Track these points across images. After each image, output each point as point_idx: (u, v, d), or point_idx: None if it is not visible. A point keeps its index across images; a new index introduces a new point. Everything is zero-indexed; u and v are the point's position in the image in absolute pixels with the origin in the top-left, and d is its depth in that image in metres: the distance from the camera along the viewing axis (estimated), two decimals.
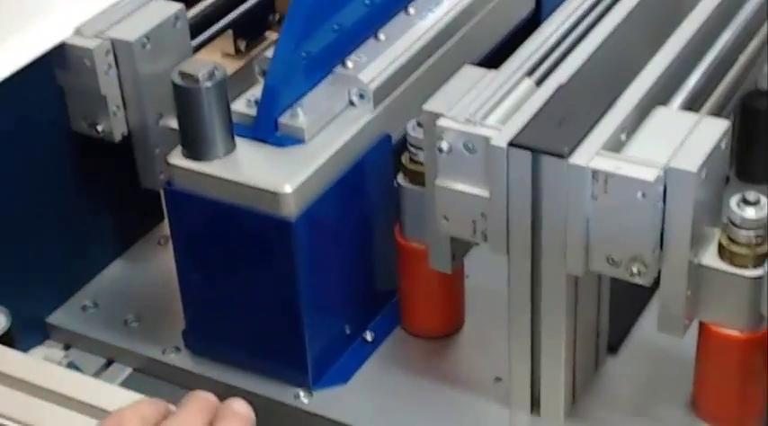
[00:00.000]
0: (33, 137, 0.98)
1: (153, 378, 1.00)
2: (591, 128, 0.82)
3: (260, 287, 0.93)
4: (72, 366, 0.98)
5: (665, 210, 0.79)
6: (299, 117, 0.91)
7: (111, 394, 0.78)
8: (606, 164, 0.79)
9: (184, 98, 0.88)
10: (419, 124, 0.89)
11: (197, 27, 1.03)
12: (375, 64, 0.95)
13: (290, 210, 0.88)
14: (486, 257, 0.90)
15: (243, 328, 0.96)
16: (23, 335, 1.00)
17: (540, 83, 0.87)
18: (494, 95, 0.86)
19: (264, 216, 0.88)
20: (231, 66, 1.10)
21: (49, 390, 0.76)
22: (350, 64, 0.94)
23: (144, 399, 0.69)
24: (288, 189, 0.88)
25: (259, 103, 0.92)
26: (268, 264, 0.91)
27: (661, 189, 0.78)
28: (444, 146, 0.84)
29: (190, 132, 0.89)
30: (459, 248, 0.92)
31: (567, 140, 0.80)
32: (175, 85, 0.88)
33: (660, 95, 0.87)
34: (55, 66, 0.97)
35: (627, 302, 0.97)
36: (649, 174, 0.78)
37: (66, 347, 1.04)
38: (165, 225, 1.02)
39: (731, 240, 0.81)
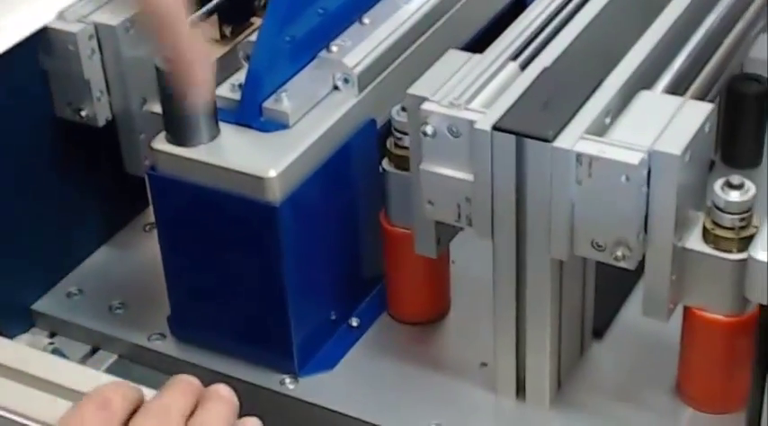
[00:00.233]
0: (16, 122, 0.97)
1: (138, 365, 1.00)
2: (575, 111, 0.81)
3: (245, 272, 0.93)
4: (57, 352, 0.98)
5: (650, 194, 0.79)
6: (284, 102, 0.91)
7: (96, 380, 0.78)
8: (590, 147, 0.79)
9: (168, 82, 0.87)
10: (404, 109, 0.89)
11: None
12: (360, 48, 0.94)
13: (275, 195, 0.88)
14: (472, 243, 0.90)
15: (228, 314, 0.96)
16: (8, 323, 1.00)
17: (524, 67, 0.87)
18: (478, 79, 0.86)
19: (249, 201, 0.88)
20: (216, 52, 1.09)
21: (34, 376, 0.76)
22: (334, 48, 0.94)
23: (124, 382, 0.69)
24: (272, 173, 0.87)
25: (243, 88, 0.91)
26: (253, 250, 0.91)
27: (645, 172, 0.78)
28: (429, 130, 0.83)
29: (174, 117, 0.89)
30: (445, 233, 0.92)
31: (551, 124, 0.80)
32: (159, 70, 0.87)
33: (645, 79, 0.86)
34: (38, 51, 0.96)
35: (612, 287, 0.97)
36: (633, 157, 0.78)
37: (52, 334, 1.03)
38: (151, 211, 1.02)
39: (715, 224, 0.81)
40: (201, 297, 0.97)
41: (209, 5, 1.06)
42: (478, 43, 0.98)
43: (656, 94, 0.86)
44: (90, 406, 0.65)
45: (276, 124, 0.91)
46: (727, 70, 0.98)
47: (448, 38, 1.00)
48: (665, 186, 0.79)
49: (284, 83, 0.92)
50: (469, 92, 0.84)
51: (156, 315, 1.01)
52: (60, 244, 1.05)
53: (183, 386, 0.68)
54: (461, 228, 0.90)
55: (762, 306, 0.81)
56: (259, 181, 0.87)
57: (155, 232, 0.99)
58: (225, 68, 0.96)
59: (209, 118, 0.89)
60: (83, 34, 0.95)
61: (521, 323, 0.89)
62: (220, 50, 1.07)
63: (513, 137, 0.80)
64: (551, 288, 0.86)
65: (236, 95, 0.92)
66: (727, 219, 0.81)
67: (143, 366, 0.99)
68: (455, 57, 0.88)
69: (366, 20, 0.97)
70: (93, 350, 1.02)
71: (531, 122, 0.81)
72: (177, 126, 0.89)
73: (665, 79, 0.88)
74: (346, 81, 0.94)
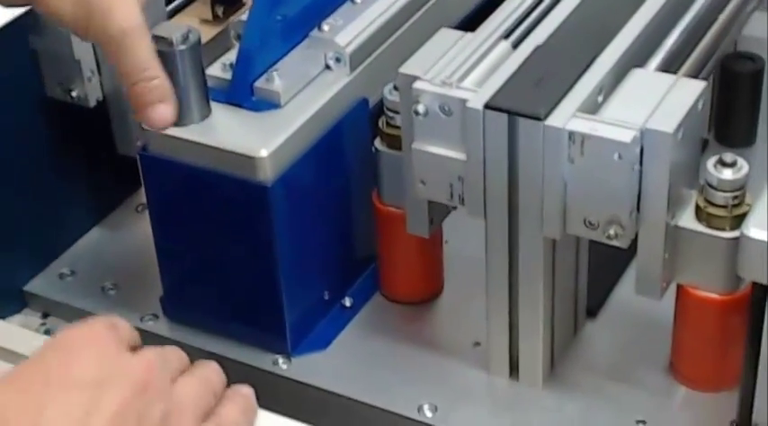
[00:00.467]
0: (7, 103, 0.97)
1: None
2: (567, 90, 0.81)
3: (237, 253, 0.93)
4: (50, 333, 0.98)
5: (642, 172, 0.79)
6: (275, 81, 0.90)
7: None
8: (582, 125, 0.78)
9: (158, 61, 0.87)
10: (396, 88, 0.88)
11: None
12: (351, 27, 0.94)
13: (266, 175, 0.87)
14: (465, 223, 0.89)
15: (221, 294, 0.96)
16: (1, 304, 1.00)
17: (516, 45, 0.87)
18: (470, 58, 0.85)
19: (240, 180, 0.88)
20: (209, 32, 1.09)
21: (26, 357, 0.76)
22: (326, 27, 0.94)
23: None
24: (264, 153, 0.87)
25: (234, 68, 0.91)
26: (245, 230, 0.91)
27: (637, 150, 0.78)
28: (421, 109, 0.83)
29: None
30: (437, 212, 0.92)
31: (543, 102, 0.80)
32: None
33: (637, 57, 0.86)
34: (28, 31, 0.96)
35: (606, 266, 0.97)
36: (626, 135, 0.77)
37: (45, 315, 1.03)
38: (143, 192, 1.01)
39: (708, 202, 0.81)
40: (194, 278, 0.97)
41: None
42: (471, 22, 0.98)
43: (648, 72, 0.85)
44: (100, 324, 0.64)
45: (267, 103, 0.90)
46: (721, 48, 0.98)
47: (440, 16, 0.99)
48: (658, 164, 0.78)
49: (275, 62, 0.92)
50: (461, 70, 0.84)
51: (149, 296, 1.00)
52: (53, 225, 1.05)
53: (211, 373, 0.68)
54: (454, 208, 0.90)
55: (754, 284, 0.80)
56: (250, 160, 0.87)
57: (147, 213, 0.99)
58: (218, 49, 0.96)
59: (200, 97, 0.89)
60: None
61: (514, 302, 0.89)
62: (213, 31, 1.07)
63: (505, 115, 0.80)
64: (544, 268, 0.86)
65: (228, 75, 0.92)
66: (719, 197, 0.81)
67: None
68: (447, 36, 0.88)
69: None
70: None
71: (524, 100, 0.80)
72: None
73: (658, 57, 0.88)
74: (338, 60, 0.93)
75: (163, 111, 0.77)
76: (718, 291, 0.84)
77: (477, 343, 0.95)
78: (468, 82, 0.83)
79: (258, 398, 0.74)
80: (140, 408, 0.61)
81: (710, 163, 0.81)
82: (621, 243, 0.81)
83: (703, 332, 0.87)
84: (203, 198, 0.91)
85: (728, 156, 0.81)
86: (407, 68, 0.85)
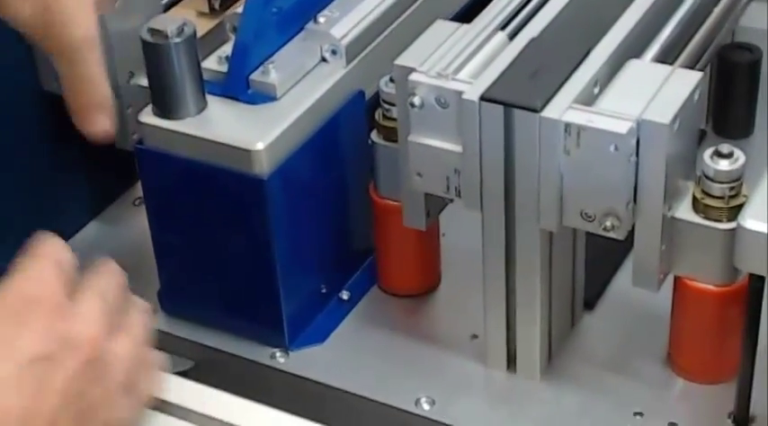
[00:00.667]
0: (3, 97, 0.97)
1: None
2: (563, 81, 0.81)
3: (234, 246, 0.93)
4: None
5: (639, 163, 0.79)
6: (271, 74, 0.90)
7: None
8: (578, 117, 0.78)
9: (154, 55, 0.87)
10: (392, 80, 0.88)
11: None
12: (347, 19, 0.94)
13: (263, 168, 0.87)
14: (463, 215, 0.89)
15: (218, 288, 0.96)
16: None
17: (512, 36, 0.87)
18: (466, 49, 0.85)
19: (237, 174, 0.88)
20: (205, 25, 1.08)
21: None
22: (322, 19, 0.93)
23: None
24: (260, 146, 0.87)
25: (230, 60, 0.91)
26: (241, 223, 0.91)
27: (634, 141, 0.78)
28: (416, 101, 0.83)
29: (160, 90, 0.88)
30: (434, 205, 0.91)
31: (539, 94, 0.80)
32: (145, 42, 0.87)
33: (633, 48, 0.86)
34: None
35: (603, 258, 0.96)
36: (622, 127, 0.77)
37: None
38: (140, 186, 1.01)
39: (705, 193, 0.81)
40: (191, 272, 0.97)
41: None
42: (466, 13, 0.97)
43: (644, 63, 0.85)
44: (49, 272, 0.65)
45: (263, 96, 0.90)
46: (718, 39, 0.98)
47: (436, 8, 0.99)
48: (654, 155, 0.78)
49: (271, 55, 0.92)
50: (457, 62, 0.84)
51: (147, 290, 0.99)
52: (49, 219, 1.04)
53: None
54: (450, 200, 0.90)
55: (751, 276, 0.80)
56: (246, 153, 0.87)
57: (144, 207, 0.98)
58: (214, 42, 0.96)
59: (196, 90, 0.89)
60: None
61: (511, 294, 0.88)
62: (210, 24, 1.06)
63: (501, 107, 0.80)
64: (541, 260, 0.86)
65: (224, 68, 0.91)
66: (716, 188, 0.80)
67: None
68: (443, 28, 0.88)
69: None
70: None
71: (519, 92, 0.80)
72: (164, 99, 0.89)
73: (654, 48, 0.88)
74: (334, 52, 0.93)
75: (102, 122, 0.79)
76: (715, 283, 0.83)
77: (475, 336, 0.94)
78: (463, 74, 0.83)
79: (256, 392, 0.74)
80: (86, 382, 0.62)
81: (707, 154, 0.81)
82: (618, 235, 0.81)
83: (701, 323, 0.87)
84: (200, 191, 0.91)
85: (725, 147, 0.81)
86: (403, 60, 0.85)
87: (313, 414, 0.73)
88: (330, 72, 0.93)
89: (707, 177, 0.81)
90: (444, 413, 0.89)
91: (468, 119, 0.81)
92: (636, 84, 0.81)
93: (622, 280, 0.97)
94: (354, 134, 0.94)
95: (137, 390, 0.66)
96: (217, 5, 1.10)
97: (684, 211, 0.82)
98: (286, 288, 0.93)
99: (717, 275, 0.83)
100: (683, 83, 0.80)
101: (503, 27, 0.88)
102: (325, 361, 0.95)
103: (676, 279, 0.86)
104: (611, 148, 0.77)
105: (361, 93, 0.95)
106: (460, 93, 0.81)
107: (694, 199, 0.82)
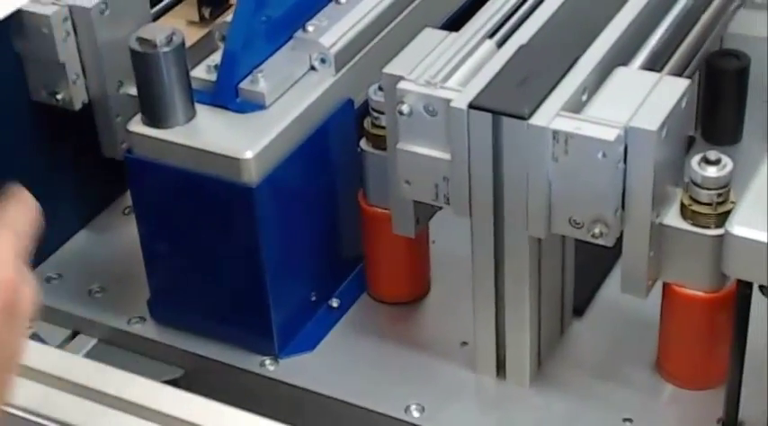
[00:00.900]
0: None
1: (118, 349, 0.99)
2: (551, 89, 0.81)
3: (223, 255, 0.93)
4: (36, 337, 0.98)
5: (626, 170, 0.79)
6: (260, 82, 0.90)
7: (75, 364, 0.78)
8: (566, 124, 0.78)
9: (143, 64, 0.87)
10: (381, 88, 0.88)
11: None
12: (336, 28, 0.94)
13: (251, 176, 0.87)
14: (453, 223, 0.90)
15: (208, 297, 0.96)
16: None
17: (501, 44, 0.87)
18: (454, 57, 0.85)
19: (226, 182, 0.88)
20: (195, 34, 1.09)
21: None
22: (310, 28, 0.94)
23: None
24: (249, 155, 0.87)
25: (219, 69, 0.91)
26: (231, 231, 0.91)
27: (621, 148, 0.78)
28: (405, 109, 0.83)
29: (149, 99, 0.89)
30: (423, 212, 0.92)
31: (527, 101, 0.80)
32: (133, 51, 0.87)
33: (621, 55, 0.86)
34: (12, 34, 0.96)
35: (592, 265, 0.97)
36: (609, 134, 0.77)
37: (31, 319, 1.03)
38: (130, 195, 1.01)
39: (693, 200, 0.81)
40: (181, 280, 0.97)
41: None
42: (455, 22, 0.98)
43: (632, 71, 0.85)
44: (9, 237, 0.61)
45: (252, 105, 0.90)
46: (706, 46, 0.98)
47: (424, 16, 0.99)
48: (642, 162, 0.78)
49: (260, 63, 0.92)
50: (446, 70, 0.84)
51: (136, 299, 1.00)
52: (39, 228, 1.04)
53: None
54: (439, 207, 0.90)
55: (739, 282, 0.80)
56: (235, 162, 0.87)
57: (134, 215, 0.98)
58: (204, 51, 0.96)
59: (184, 99, 0.89)
60: (57, 17, 0.94)
61: (500, 301, 0.89)
62: (200, 33, 1.07)
63: (489, 115, 0.80)
64: (530, 267, 0.86)
65: (212, 76, 0.92)
66: (704, 195, 0.81)
67: (123, 349, 0.99)
68: (431, 36, 0.88)
69: None
70: (73, 335, 1.01)
71: (508, 100, 0.80)
72: (153, 108, 0.89)
73: (642, 55, 0.88)
74: (323, 61, 0.93)
75: None
76: (703, 289, 0.84)
77: (465, 343, 0.95)
78: (452, 82, 0.83)
79: (246, 400, 0.74)
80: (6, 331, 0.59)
81: (695, 160, 0.81)
82: (607, 241, 0.81)
83: (689, 330, 0.87)
84: (189, 200, 0.91)
85: (713, 154, 0.81)
86: (392, 68, 0.85)
87: (302, 422, 0.74)
88: (319, 80, 0.93)
89: (695, 184, 0.81)
90: (434, 420, 0.90)
91: (457, 127, 0.81)
92: (624, 92, 0.81)
93: (611, 287, 0.97)
94: (343, 142, 0.95)
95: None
96: (207, 14, 1.10)
97: (672, 218, 0.82)
98: (275, 296, 0.93)
99: (705, 281, 0.83)
100: (671, 90, 0.80)
101: (491, 35, 0.88)
102: (315, 369, 0.95)
103: (665, 285, 0.86)
104: (599, 155, 0.78)
105: (350, 102, 0.95)
106: (449, 100, 0.81)
107: (682, 205, 0.82)
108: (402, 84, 0.83)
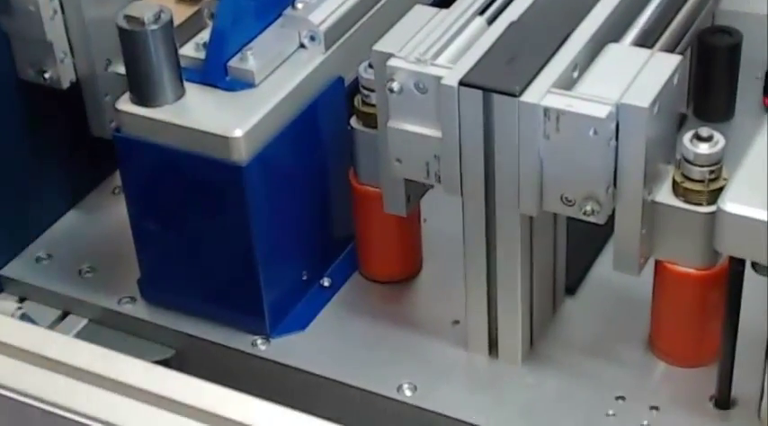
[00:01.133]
0: None
1: (109, 329, 0.99)
2: (542, 66, 0.81)
3: (214, 234, 0.92)
4: (25, 317, 0.97)
5: (618, 147, 0.79)
6: (249, 60, 0.90)
7: (65, 345, 0.78)
8: (558, 101, 0.78)
9: (130, 41, 0.86)
10: (371, 65, 0.88)
11: None
12: (325, 5, 0.93)
13: (241, 155, 0.87)
14: (444, 201, 0.89)
15: (198, 276, 0.96)
16: None
17: (491, 21, 0.86)
18: (445, 34, 0.85)
19: (215, 161, 0.87)
20: (184, 12, 1.08)
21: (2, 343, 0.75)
22: (300, 5, 0.93)
23: None
24: (238, 133, 0.86)
25: (208, 47, 0.90)
26: (221, 211, 0.90)
27: (613, 125, 0.78)
28: (395, 86, 0.82)
29: (137, 77, 0.88)
30: (414, 190, 0.91)
31: (517, 78, 0.79)
32: (121, 29, 0.86)
33: (612, 32, 0.86)
34: None
35: (584, 243, 0.96)
36: (601, 111, 0.77)
37: (21, 299, 1.03)
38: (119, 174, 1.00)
39: (685, 177, 0.81)
40: (171, 260, 0.96)
41: None
42: None
43: (623, 47, 0.85)
44: None
45: (242, 83, 0.90)
46: (698, 22, 0.98)
47: None
48: (634, 139, 0.78)
49: (249, 41, 0.91)
50: (436, 47, 0.83)
51: (126, 279, 1.00)
52: (28, 208, 1.04)
53: None
54: (431, 186, 0.90)
55: (731, 259, 0.80)
56: (225, 140, 0.86)
57: (123, 195, 0.98)
58: (193, 29, 0.95)
59: (173, 77, 0.88)
60: None
61: (492, 280, 0.88)
62: (188, 10, 1.06)
63: (479, 92, 0.79)
64: (522, 245, 0.86)
65: (201, 54, 0.91)
66: (696, 172, 0.80)
67: (114, 330, 0.99)
68: (422, 13, 0.87)
69: None
70: (64, 315, 1.01)
71: (498, 77, 0.80)
72: (141, 86, 0.88)
73: (633, 32, 0.88)
74: (312, 38, 0.93)
75: None
76: (695, 266, 0.83)
77: (457, 322, 0.94)
78: (442, 59, 0.83)
79: (237, 379, 0.74)
80: None
81: (687, 137, 0.81)
82: (598, 219, 0.81)
83: (682, 307, 0.87)
84: (178, 179, 0.90)
85: (704, 131, 0.81)
86: (382, 46, 0.84)
87: (294, 402, 0.73)
88: (309, 58, 0.92)
89: (687, 161, 0.81)
90: (426, 399, 0.89)
91: (447, 105, 0.81)
92: (615, 68, 0.81)
93: (603, 265, 0.97)
94: (334, 120, 0.94)
95: None
96: None
97: (664, 195, 0.82)
98: (266, 275, 0.93)
99: (697, 258, 0.83)
100: (663, 66, 0.80)
101: (481, 12, 0.87)
102: (307, 348, 0.94)
103: (657, 263, 0.86)
104: (591, 132, 0.77)
105: (341, 79, 0.94)
106: (439, 78, 0.81)
107: (674, 182, 0.82)
108: (392, 62, 0.82)
